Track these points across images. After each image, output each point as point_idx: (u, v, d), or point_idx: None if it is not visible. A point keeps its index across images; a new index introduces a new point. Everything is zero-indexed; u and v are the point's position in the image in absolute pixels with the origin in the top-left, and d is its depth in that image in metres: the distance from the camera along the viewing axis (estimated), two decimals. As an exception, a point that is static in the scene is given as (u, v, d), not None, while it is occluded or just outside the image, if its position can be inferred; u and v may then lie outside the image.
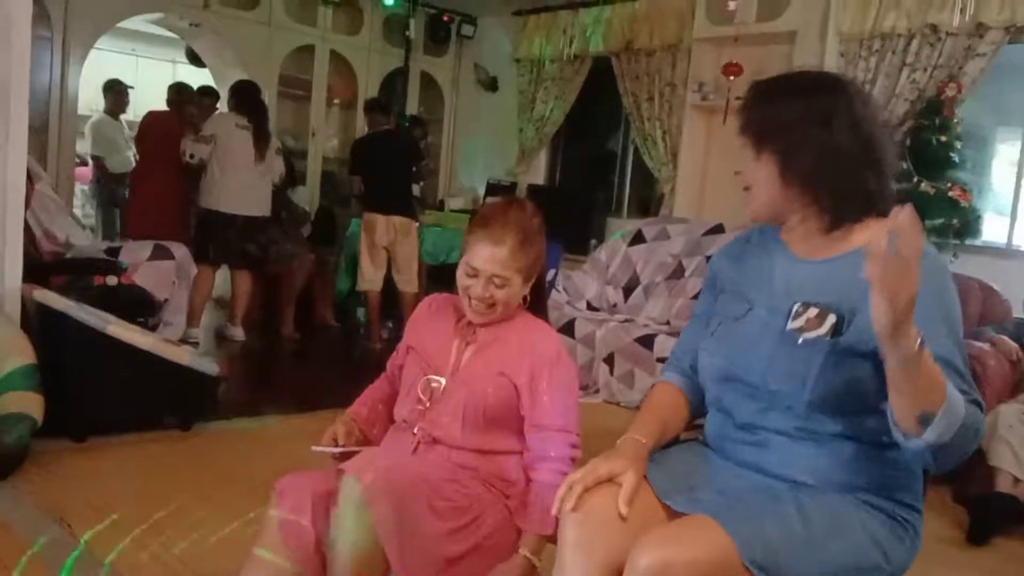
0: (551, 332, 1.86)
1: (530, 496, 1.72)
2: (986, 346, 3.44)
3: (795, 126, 1.35)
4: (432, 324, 1.89)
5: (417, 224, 5.54)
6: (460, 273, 1.78)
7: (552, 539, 1.61)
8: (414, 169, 5.59)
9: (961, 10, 4.42)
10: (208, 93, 5.81)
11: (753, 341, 1.39)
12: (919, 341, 1.10)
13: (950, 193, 4.37)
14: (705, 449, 1.50)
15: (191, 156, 5.00)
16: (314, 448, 1.80)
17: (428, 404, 1.79)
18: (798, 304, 1.35)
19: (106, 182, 6.57)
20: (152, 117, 5.64)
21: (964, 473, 3.14)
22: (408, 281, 5.47)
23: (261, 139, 5.11)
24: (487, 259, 1.73)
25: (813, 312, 1.33)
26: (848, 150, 1.34)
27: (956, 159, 4.41)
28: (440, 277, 5.64)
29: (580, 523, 1.30)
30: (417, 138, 5.83)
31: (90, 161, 6.74)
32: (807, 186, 1.36)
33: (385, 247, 5.39)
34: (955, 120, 4.43)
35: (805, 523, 1.27)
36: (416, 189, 5.74)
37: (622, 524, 1.29)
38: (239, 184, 5.05)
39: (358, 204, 5.68)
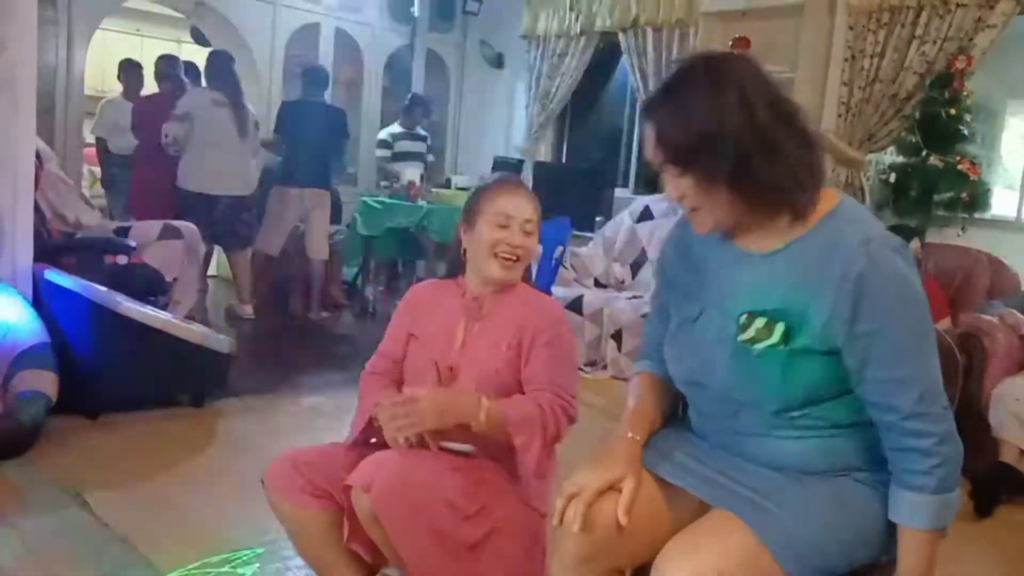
0: (551, 300, 1.90)
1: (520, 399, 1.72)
2: (994, 320, 3.43)
3: (720, 127, 1.21)
4: (434, 308, 1.88)
5: (330, 194, 5.57)
6: (489, 228, 1.79)
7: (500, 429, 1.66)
8: (339, 146, 5.56)
9: (972, -20, 4.37)
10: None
11: (710, 350, 1.34)
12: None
13: (959, 166, 4.34)
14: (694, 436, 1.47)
15: (166, 136, 4.87)
16: (380, 403, 1.74)
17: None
18: (743, 316, 1.28)
19: (107, 163, 6.54)
20: (145, 100, 5.53)
21: (969, 446, 3.15)
22: (319, 249, 5.50)
23: (241, 114, 4.94)
24: (518, 205, 1.80)
25: (760, 322, 1.26)
26: (778, 128, 1.23)
27: (965, 132, 4.38)
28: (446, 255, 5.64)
29: (583, 540, 1.28)
30: (346, 118, 5.69)
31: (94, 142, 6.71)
32: (759, 185, 1.23)
33: (299, 218, 5.42)
34: (964, 93, 4.39)
35: (818, 507, 1.26)
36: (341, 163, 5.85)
37: (624, 531, 1.28)
38: (219, 163, 4.91)
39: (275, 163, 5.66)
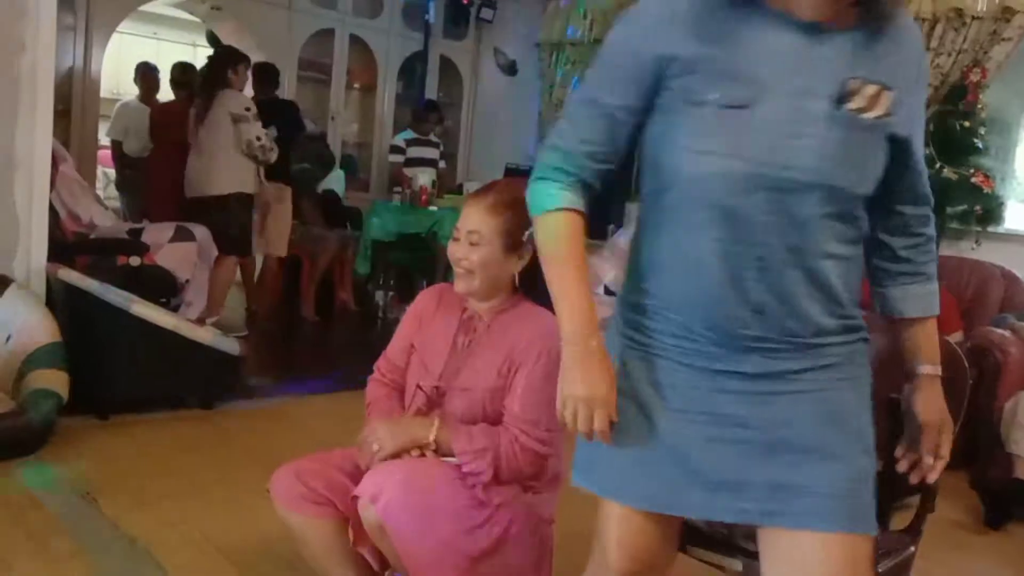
0: (544, 320, 1.70)
1: (481, 431, 1.69)
2: (1007, 334, 3.41)
3: None
4: (435, 321, 1.85)
5: (290, 189, 5.49)
6: (449, 243, 1.79)
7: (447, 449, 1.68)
8: (295, 138, 5.51)
9: (987, -6, 4.37)
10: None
11: (787, 132, 1.13)
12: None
13: (973, 179, 4.32)
14: (648, 412, 1.31)
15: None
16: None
17: (429, 412, 1.78)
18: (854, 80, 1.14)
19: (121, 166, 6.58)
20: (161, 107, 5.57)
21: (982, 459, 3.13)
22: (276, 244, 5.41)
23: (196, 113, 4.79)
24: (465, 216, 1.76)
25: (872, 89, 1.15)
26: None
27: (979, 145, 4.36)
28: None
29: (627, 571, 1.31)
30: (298, 111, 5.65)
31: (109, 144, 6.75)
32: None
33: (261, 213, 5.34)
34: (979, 106, 4.38)
35: (805, 454, 1.20)
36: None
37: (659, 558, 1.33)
38: (185, 166, 4.87)
39: None
